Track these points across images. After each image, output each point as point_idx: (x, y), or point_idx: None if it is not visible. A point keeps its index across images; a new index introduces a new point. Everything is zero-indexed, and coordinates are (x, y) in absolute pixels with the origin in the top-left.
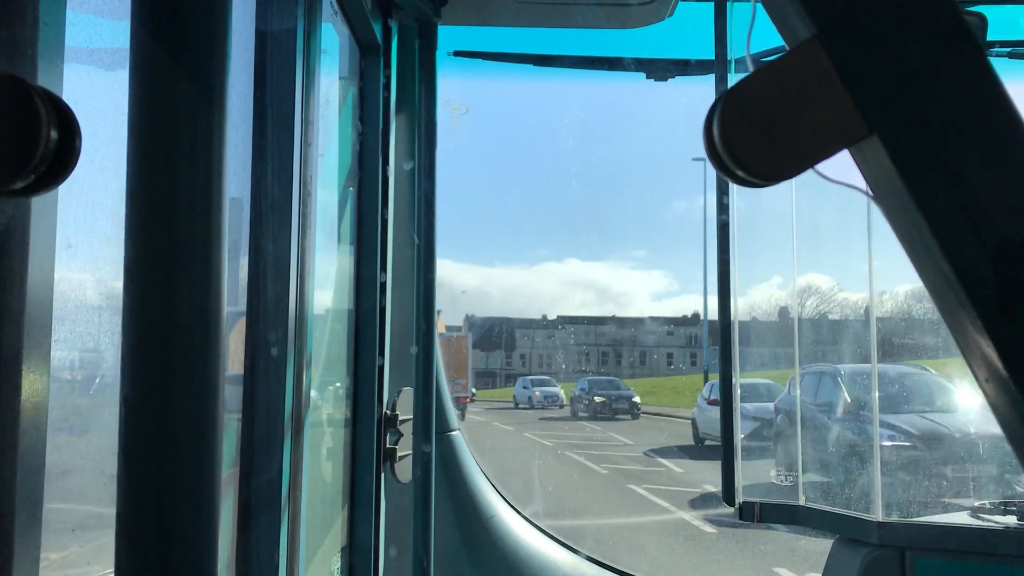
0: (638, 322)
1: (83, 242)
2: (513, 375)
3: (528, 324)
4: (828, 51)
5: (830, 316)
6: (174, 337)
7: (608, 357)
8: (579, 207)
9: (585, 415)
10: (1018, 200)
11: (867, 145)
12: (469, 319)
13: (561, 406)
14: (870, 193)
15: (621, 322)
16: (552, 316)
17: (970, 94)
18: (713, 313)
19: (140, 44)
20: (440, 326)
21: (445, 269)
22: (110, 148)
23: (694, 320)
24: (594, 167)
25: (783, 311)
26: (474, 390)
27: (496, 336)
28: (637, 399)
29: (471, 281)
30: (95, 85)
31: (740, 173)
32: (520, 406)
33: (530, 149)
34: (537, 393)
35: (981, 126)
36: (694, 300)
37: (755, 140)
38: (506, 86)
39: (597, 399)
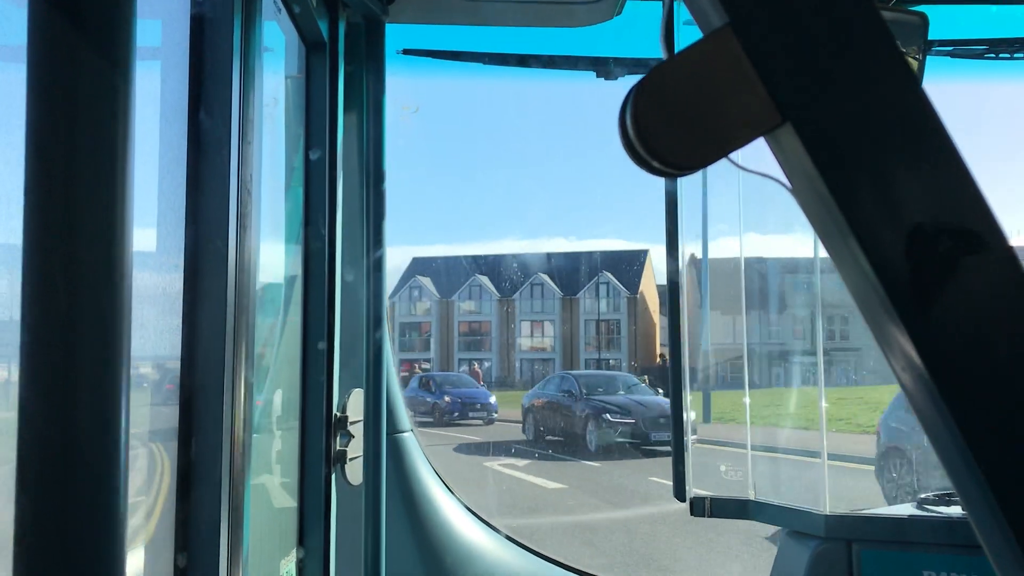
0: None
1: None
2: (783, 354)
3: (808, 267)
4: (740, 39)
5: None
6: (73, 335)
7: None
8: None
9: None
10: (931, 188)
11: (781, 134)
12: (694, 260)
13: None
14: (787, 184)
15: None
16: None
17: (883, 82)
18: None
19: (38, 25)
20: (647, 273)
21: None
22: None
23: None
24: None
25: None
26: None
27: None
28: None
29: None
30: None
31: (655, 164)
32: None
33: None
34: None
35: (894, 114)
36: None
37: (669, 130)
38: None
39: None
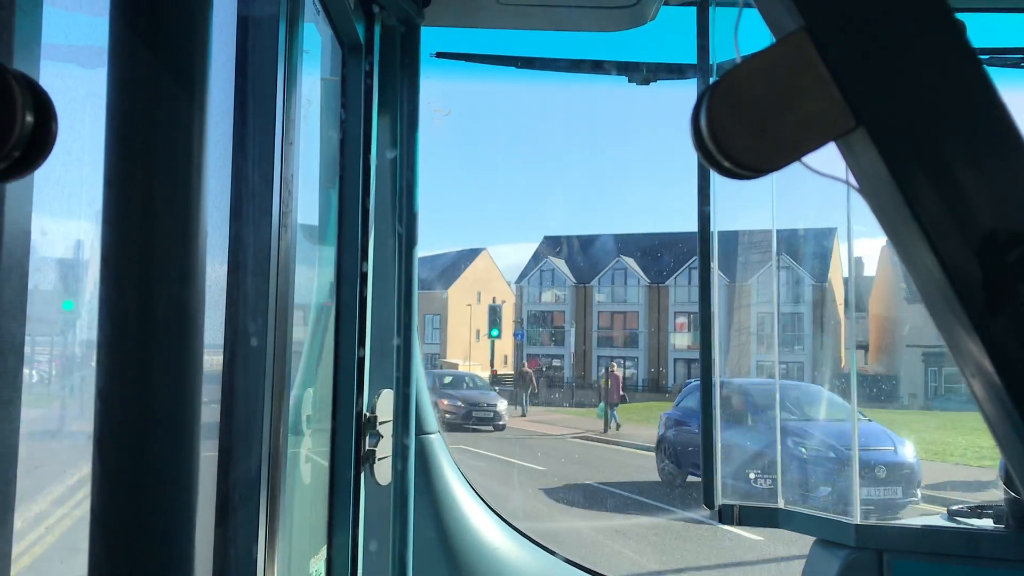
0: None
1: (59, 232)
2: None
3: None
4: (816, 42)
5: None
6: (151, 328)
7: None
8: None
9: None
10: (1005, 194)
11: (854, 138)
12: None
13: None
14: (856, 186)
15: None
16: None
17: (958, 87)
18: None
19: (119, 36)
20: (834, 258)
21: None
22: (88, 140)
23: None
24: None
25: None
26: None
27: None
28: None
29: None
30: (75, 76)
31: (726, 164)
32: None
33: None
34: None
35: (968, 119)
36: None
37: (742, 131)
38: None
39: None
